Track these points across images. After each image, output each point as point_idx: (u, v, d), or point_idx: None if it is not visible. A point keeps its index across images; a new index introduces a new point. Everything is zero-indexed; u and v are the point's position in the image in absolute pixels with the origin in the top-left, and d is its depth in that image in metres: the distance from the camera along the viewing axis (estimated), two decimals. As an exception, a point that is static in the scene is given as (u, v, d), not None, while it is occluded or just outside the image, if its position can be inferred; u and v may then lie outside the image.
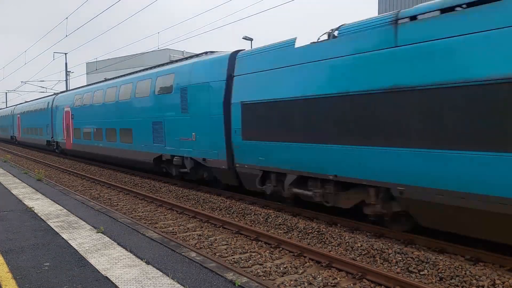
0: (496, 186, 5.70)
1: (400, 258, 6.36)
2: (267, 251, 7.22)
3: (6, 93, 70.73)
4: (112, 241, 6.61)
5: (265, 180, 9.91)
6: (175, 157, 13.02)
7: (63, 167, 20.61)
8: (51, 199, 10.54)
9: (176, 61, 14.68)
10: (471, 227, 6.20)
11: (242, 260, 6.76)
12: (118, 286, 4.74)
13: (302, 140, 8.60)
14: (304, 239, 7.86)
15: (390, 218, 7.57)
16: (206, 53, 13.11)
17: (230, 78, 10.76)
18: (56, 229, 7.43)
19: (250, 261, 6.70)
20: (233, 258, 6.87)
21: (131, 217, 9.73)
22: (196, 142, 11.94)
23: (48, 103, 26.96)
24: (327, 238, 7.60)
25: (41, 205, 9.80)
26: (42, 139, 28.62)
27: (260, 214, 9.34)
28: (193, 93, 12.00)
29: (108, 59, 50.26)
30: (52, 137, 26.09)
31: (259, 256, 6.97)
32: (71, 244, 6.48)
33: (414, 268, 6.08)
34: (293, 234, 8.14)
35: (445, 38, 6.23)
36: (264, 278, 6.01)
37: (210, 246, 7.53)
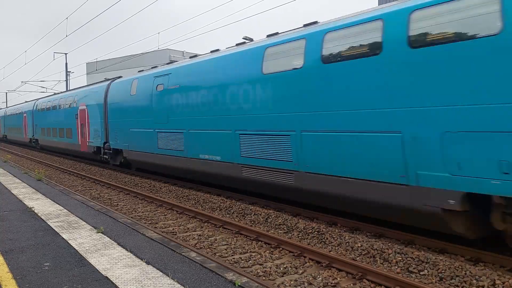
0: None
1: (400, 258, 6.37)
2: (267, 251, 7.22)
3: (6, 93, 70.82)
4: (112, 241, 6.62)
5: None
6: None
7: (63, 167, 20.62)
8: (51, 199, 10.55)
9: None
10: None
11: (242, 260, 6.76)
12: (118, 286, 4.74)
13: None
14: (304, 239, 7.86)
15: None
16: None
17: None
18: (56, 229, 7.43)
19: (250, 261, 6.70)
20: (233, 258, 6.87)
21: (131, 217, 9.74)
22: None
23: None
24: (327, 238, 7.61)
25: (41, 205, 9.81)
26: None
27: (260, 214, 9.34)
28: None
29: (108, 59, 50.28)
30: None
31: (259, 256, 6.97)
32: (71, 244, 6.48)
33: (414, 268, 6.08)
34: (293, 234, 8.14)
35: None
36: (264, 278, 6.01)
37: (210, 246, 7.53)
